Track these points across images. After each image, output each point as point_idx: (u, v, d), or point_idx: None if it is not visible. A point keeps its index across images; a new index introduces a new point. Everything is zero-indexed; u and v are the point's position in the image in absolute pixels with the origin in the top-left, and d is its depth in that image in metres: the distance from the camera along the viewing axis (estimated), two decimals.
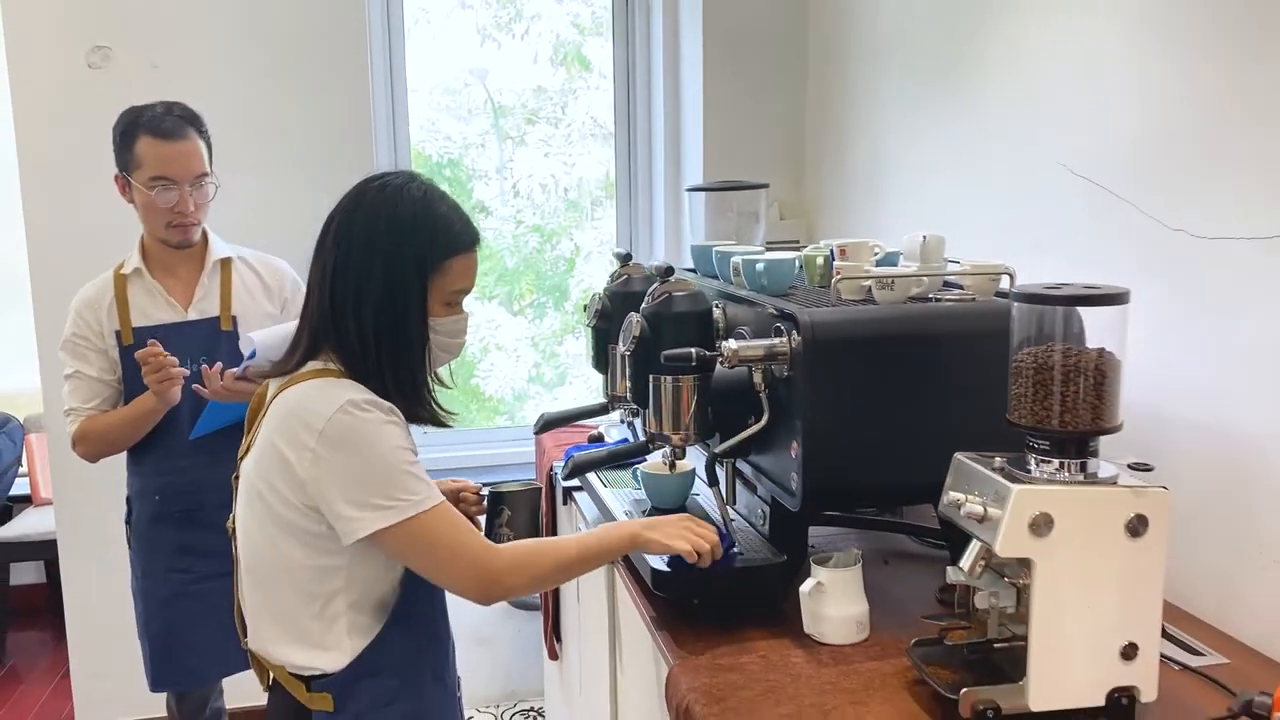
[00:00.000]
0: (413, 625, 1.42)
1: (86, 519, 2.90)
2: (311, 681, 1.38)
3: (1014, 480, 1.24)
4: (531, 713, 3.23)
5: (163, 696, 2.51)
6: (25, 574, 4.07)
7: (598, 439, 2.41)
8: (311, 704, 1.38)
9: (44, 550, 3.85)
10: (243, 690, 2.38)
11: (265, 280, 2.18)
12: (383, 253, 1.37)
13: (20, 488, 4.06)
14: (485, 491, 1.70)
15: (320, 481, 1.30)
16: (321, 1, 2.90)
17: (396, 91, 3.17)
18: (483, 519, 1.69)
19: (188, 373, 1.95)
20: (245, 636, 1.47)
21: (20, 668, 3.78)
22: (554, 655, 2.69)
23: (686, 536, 1.46)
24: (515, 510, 1.68)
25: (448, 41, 3.40)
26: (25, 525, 3.88)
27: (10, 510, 4.04)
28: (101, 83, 2.78)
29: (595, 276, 3.62)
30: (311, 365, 1.39)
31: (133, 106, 2.08)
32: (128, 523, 2.15)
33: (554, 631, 2.65)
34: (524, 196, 3.56)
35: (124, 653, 2.85)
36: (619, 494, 2.00)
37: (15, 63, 2.75)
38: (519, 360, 3.66)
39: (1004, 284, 1.61)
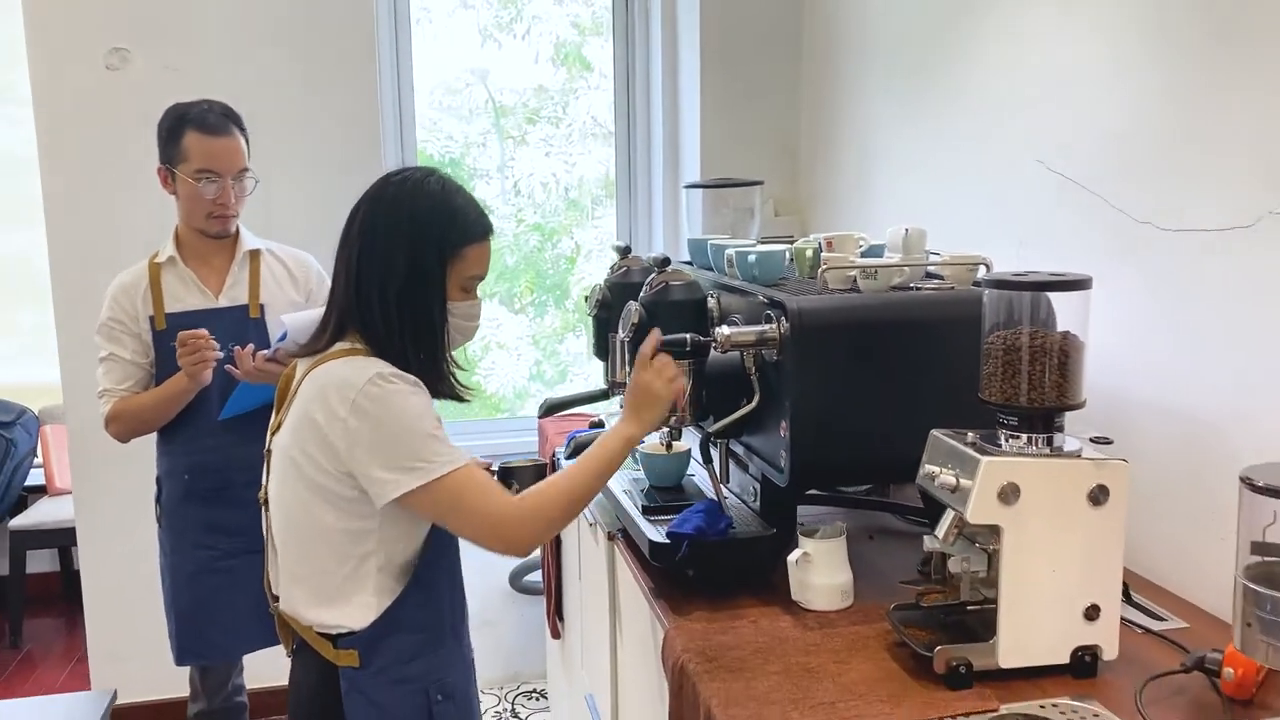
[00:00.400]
0: (433, 588, 1.53)
1: (105, 505, 3.01)
2: (338, 639, 1.48)
3: (984, 453, 1.34)
4: (534, 694, 3.34)
5: (177, 678, 2.61)
6: (39, 562, 4.17)
7: (598, 425, 2.51)
8: (339, 660, 1.48)
9: (58, 538, 3.96)
10: (258, 671, 2.50)
11: (292, 271, 2.29)
12: (405, 242, 1.48)
13: (35, 478, 4.16)
14: (495, 467, 1.80)
15: (354, 448, 1.41)
16: (331, 5, 3.00)
17: (403, 92, 3.26)
18: None
19: (221, 355, 2.06)
20: (275, 602, 1.57)
21: (36, 653, 3.89)
22: (556, 634, 2.80)
23: (663, 406, 1.56)
24: (523, 484, 1.78)
25: (449, 41, 3.46)
26: (40, 514, 3.98)
27: (25, 500, 4.14)
28: (119, 84, 2.88)
29: (596, 275, 3.66)
30: (339, 345, 1.50)
31: (178, 103, 2.19)
32: (158, 502, 2.25)
33: (556, 611, 2.75)
34: (525, 195, 3.62)
35: (140, 634, 2.97)
36: (618, 474, 2.10)
37: (36, 64, 2.85)
38: (520, 359, 3.72)
39: (981, 274, 1.71)
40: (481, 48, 3.52)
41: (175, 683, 2.89)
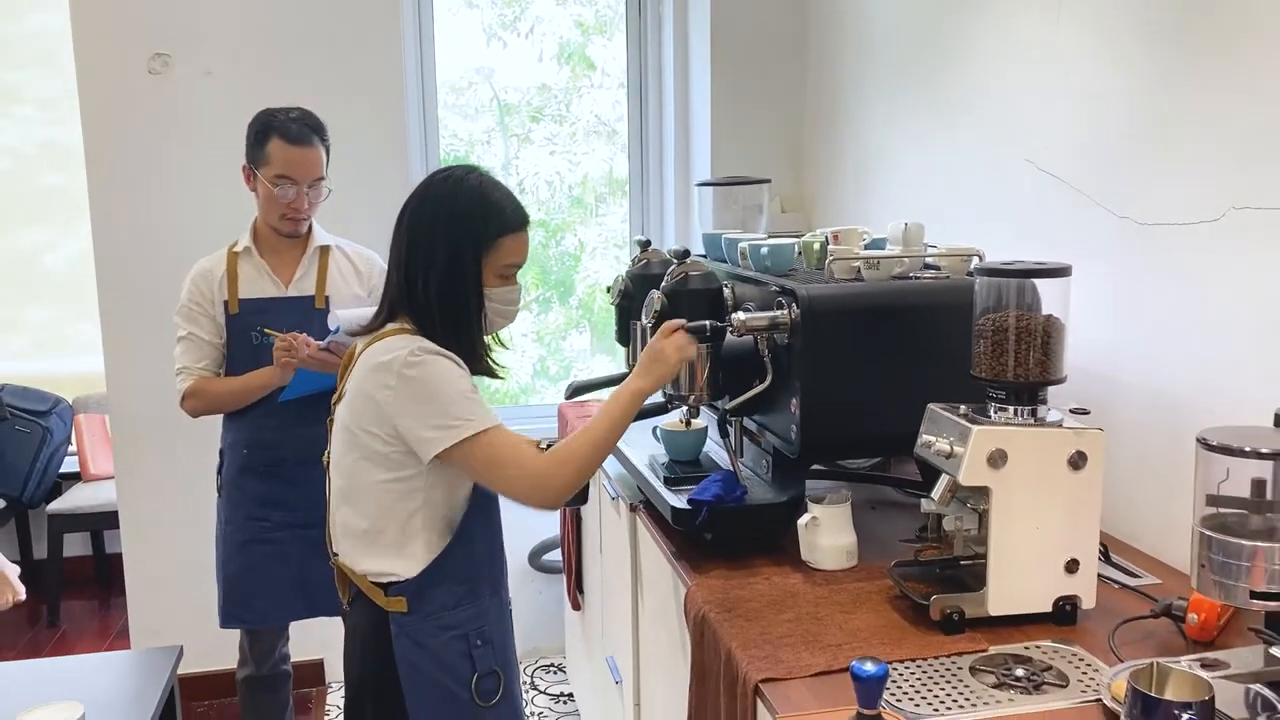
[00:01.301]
0: (475, 544, 1.70)
1: (146, 488, 3.17)
2: (389, 588, 1.65)
3: (975, 423, 1.50)
4: (552, 667, 3.50)
5: (214, 653, 2.75)
6: (73, 546, 4.32)
7: None
8: (389, 606, 1.65)
9: (92, 522, 4.13)
10: (296, 644, 2.66)
11: (357, 267, 2.45)
12: (445, 235, 1.64)
13: (69, 465, 4.32)
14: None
15: (400, 412, 1.58)
16: (361, 14, 3.14)
17: (427, 96, 3.40)
18: None
19: (314, 343, 2.20)
20: (335, 557, 1.74)
21: (71, 633, 4.05)
22: (576, 606, 2.96)
23: (671, 367, 1.71)
24: None
25: (453, 40, 3.54)
26: (76, 499, 4.14)
27: (59, 486, 4.30)
28: (161, 87, 3.04)
29: (601, 271, 3.79)
30: (391, 326, 1.67)
31: (268, 109, 2.33)
32: (219, 473, 2.42)
33: (577, 585, 2.91)
34: (530, 193, 3.70)
35: (179, 610, 3.15)
36: (641, 450, 2.27)
37: (83, 69, 3.00)
38: (524, 355, 3.81)
39: (975, 264, 1.87)
40: (486, 47, 3.60)
41: (213, 657, 3.06)
